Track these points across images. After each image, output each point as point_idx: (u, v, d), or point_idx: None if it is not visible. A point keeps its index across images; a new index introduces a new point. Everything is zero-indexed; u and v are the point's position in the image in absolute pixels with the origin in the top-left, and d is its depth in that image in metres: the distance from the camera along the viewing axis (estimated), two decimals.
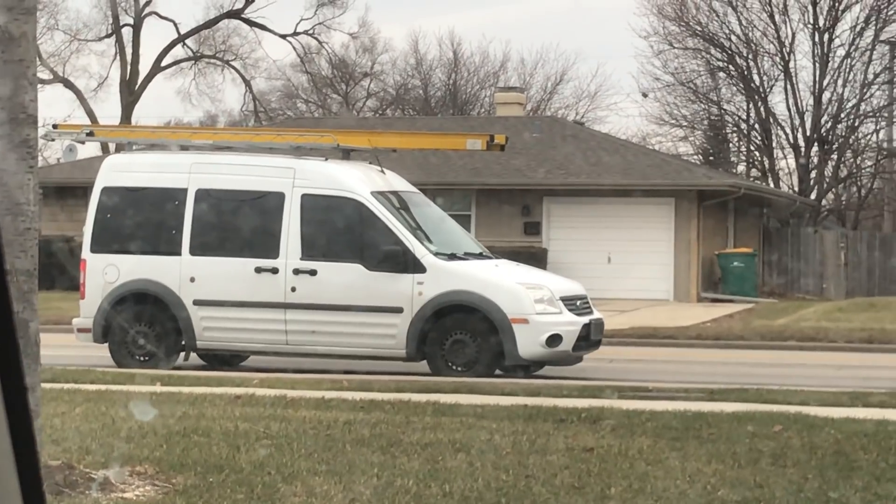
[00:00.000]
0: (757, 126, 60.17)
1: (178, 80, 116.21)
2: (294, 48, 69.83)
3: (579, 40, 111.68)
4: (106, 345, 20.80)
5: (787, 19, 57.79)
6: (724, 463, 10.52)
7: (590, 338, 20.20)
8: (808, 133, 57.72)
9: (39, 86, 10.41)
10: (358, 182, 20.46)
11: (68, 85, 67.63)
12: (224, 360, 21.44)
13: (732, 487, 9.52)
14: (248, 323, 20.17)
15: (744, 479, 9.84)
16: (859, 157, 59.84)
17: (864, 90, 57.70)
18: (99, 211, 21.00)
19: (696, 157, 61.45)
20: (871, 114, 58.52)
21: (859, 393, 16.01)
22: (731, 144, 64.32)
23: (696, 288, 40.29)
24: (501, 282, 19.98)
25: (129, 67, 67.48)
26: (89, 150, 46.53)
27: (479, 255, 21.18)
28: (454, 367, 19.51)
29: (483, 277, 19.97)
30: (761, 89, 58.76)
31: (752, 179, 57.59)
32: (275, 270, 20.11)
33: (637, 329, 28.83)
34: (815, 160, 58.17)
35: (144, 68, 68.07)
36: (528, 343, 19.44)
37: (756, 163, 62.36)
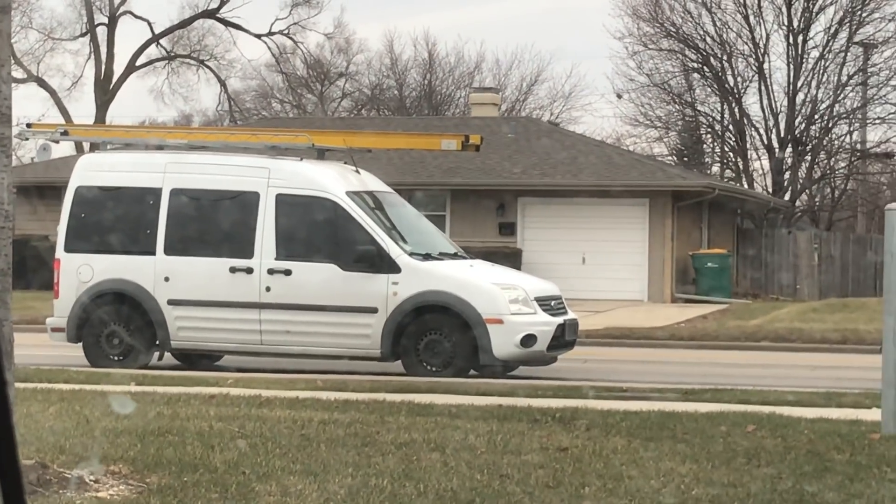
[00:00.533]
0: (731, 127, 60.31)
1: (152, 79, 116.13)
2: (269, 48, 69.76)
3: (554, 41, 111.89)
4: (80, 344, 20.77)
5: (762, 21, 57.99)
6: (698, 462, 10.54)
7: (564, 338, 20.23)
8: (782, 134, 57.87)
9: (14, 85, 10.38)
10: (333, 182, 20.46)
11: (42, 84, 67.46)
12: (199, 359, 21.40)
13: (706, 486, 9.55)
14: (223, 323, 20.16)
15: (717, 479, 9.86)
16: (833, 159, 60.03)
17: (838, 91, 57.89)
18: (73, 210, 20.96)
19: (670, 157, 61.56)
20: (844, 115, 58.72)
21: (833, 393, 16.07)
22: (705, 145, 64.46)
23: (670, 288, 40.37)
24: (476, 282, 20.00)
25: (103, 67, 67.33)
26: (63, 149, 46.41)
27: (454, 256, 21.20)
28: (429, 367, 19.52)
29: (458, 278, 19.99)
30: (736, 90, 58.90)
31: (726, 180, 57.72)
32: (249, 270, 20.10)
33: (611, 329, 28.89)
34: (789, 161, 58.33)
35: (119, 67, 67.98)
36: (503, 343, 19.46)
37: (730, 164, 62.53)
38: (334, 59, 72.65)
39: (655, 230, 40.47)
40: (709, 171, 60.83)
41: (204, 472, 9.82)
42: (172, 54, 69.84)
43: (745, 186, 57.15)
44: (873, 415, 13.09)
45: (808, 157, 59.03)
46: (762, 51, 58.06)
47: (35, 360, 18.70)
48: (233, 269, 20.16)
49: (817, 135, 58.63)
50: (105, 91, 66.72)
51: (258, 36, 68.72)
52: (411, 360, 19.69)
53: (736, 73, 58.93)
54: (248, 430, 11.92)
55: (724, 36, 58.70)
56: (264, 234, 20.18)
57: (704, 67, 59.66)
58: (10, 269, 9.32)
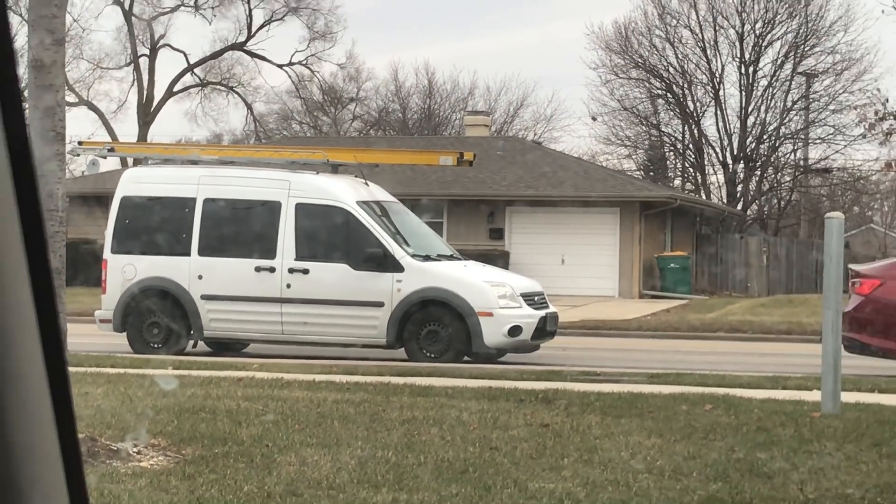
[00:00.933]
0: (691, 146, 60.31)
1: (187, 103, 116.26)
2: (289, 76, 69.71)
3: (537, 70, 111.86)
4: (124, 333, 20.75)
5: (718, 53, 58.00)
6: (663, 436, 10.53)
7: (546, 329, 20.22)
8: (735, 152, 57.89)
9: (67, 108, 10.38)
10: (345, 192, 20.43)
11: (92, 107, 67.41)
12: (227, 347, 21.38)
13: (669, 457, 9.54)
14: (249, 315, 20.13)
15: (679, 451, 9.85)
16: (779, 173, 60.03)
17: (784, 115, 57.92)
18: (119, 217, 20.93)
19: (638, 172, 61.53)
20: (789, 136, 58.75)
21: (779, 377, 16.05)
22: (668, 162, 64.43)
23: (638, 286, 40.34)
24: (470, 280, 19.98)
25: (145, 92, 67.27)
26: (110, 164, 46.30)
27: (450, 257, 21.17)
28: (428, 354, 19.49)
29: (454, 276, 19.97)
30: (695, 114, 58.91)
31: (686, 192, 57.70)
32: (272, 269, 20.08)
33: (587, 321, 28.87)
34: (741, 175, 58.37)
35: (158, 93, 67.90)
36: (493, 333, 19.45)
37: (690, 178, 62.52)
38: (346, 86, 72.61)
39: (625, 235, 40.45)
40: (671, 184, 60.80)
41: (232, 444, 9.81)
42: (205, 81, 69.78)
43: (704, 197, 57.13)
44: (814, 396, 13.08)
45: (758, 172, 59.03)
46: (718, 80, 58.12)
47: (84, 348, 18.69)
48: (258, 269, 20.14)
49: (766, 153, 58.65)
50: (146, 113, 66.65)
51: (280, 66, 68.71)
52: (413, 348, 19.67)
53: (695, 98, 58.97)
54: (271, 408, 11.91)
55: (685, 67, 58.75)
56: (285, 238, 20.15)
57: (668, 94, 59.65)
58: (64, 267, 9.31)
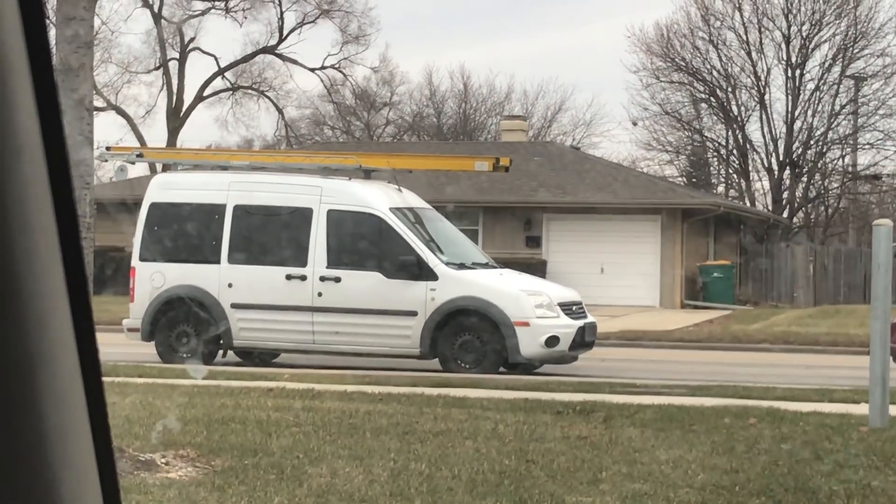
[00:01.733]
0: (735, 151, 60.14)
1: (217, 108, 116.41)
2: (321, 80, 69.88)
3: (576, 74, 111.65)
4: (152, 343, 20.84)
5: (763, 56, 57.84)
6: (704, 451, 10.53)
7: (584, 339, 20.20)
8: (781, 158, 57.69)
9: (95, 112, 10.47)
10: (378, 199, 20.48)
11: (120, 112, 67.74)
12: (258, 357, 21.44)
13: (711, 472, 9.54)
14: (280, 324, 20.19)
15: (721, 465, 9.85)
16: (827, 180, 59.79)
17: (832, 120, 57.68)
18: (147, 224, 21.04)
19: (680, 179, 61.42)
20: (837, 141, 58.51)
21: (825, 390, 16.00)
22: (711, 168, 64.29)
23: (679, 296, 40.25)
24: (505, 289, 19.99)
25: (174, 97, 67.57)
26: (139, 170, 46.62)
27: (486, 265, 21.18)
28: (463, 365, 19.51)
29: (489, 285, 19.98)
30: (739, 119, 58.74)
31: (730, 199, 57.53)
32: (303, 277, 20.14)
33: (626, 332, 28.83)
34: (787, 182, 58.15)
35: (188, 97, 68.19)
36: (529, 343, 19.45)
37: (734, 184, 62.35)
38: (379, 90, 72.76)
39: (666, 243, 40.37)
40: (715, 191, 60.65)
41: (263, 455, 9.86)
42: (236, 86, 70.03)
43: (748, 204, 56.96)
44: (861, 409, 13.04)
45: (805, 179, 58.82)
46: (763, 83, 57.94)
47: (112, 357, 18.78)
48: (289, 277, 20.20)
49: (813, 158, 58.42)
50: (176, 118, 66.95)
51: (312, 69, 68.88)
52: (447, 358, 19.69)
53: (739, 102, 58.83)
54: (302, 419, 11.96)
55: (729, 70, 58.60)
56: (317, 245, 20.21)
57: (711, 98, 59.51)
58: (91, 275, 9.38)
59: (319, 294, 20.04)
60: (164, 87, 67.76)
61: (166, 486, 8.75)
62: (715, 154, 62.44)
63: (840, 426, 12.14)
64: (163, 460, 9.54)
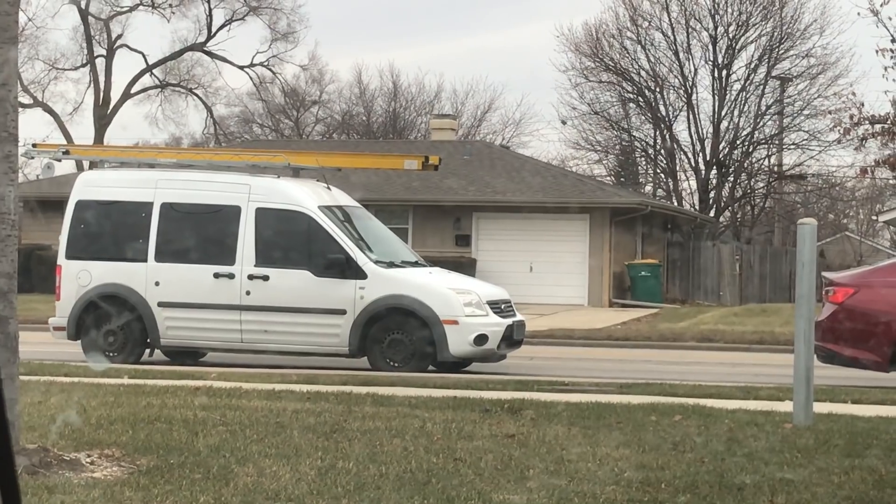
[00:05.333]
0: (663, 151, 60.54)
1: (146, 105, 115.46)
2: (251, 78, 69.64)
3: (506, 73, 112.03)
4: (79, 342, 20.67)
5: (690, 57, 58.28)
6: (631, 448, 10.56)
7: (513, 337, 20.24)
8: (707, 158, 58.14)
9: (20, 109, 10.33)
10: (307, 197, 20.42)
11: (47, 109, 67.16)
12: (185, 355, 21.31)
13: (637, 469, 9.57)
14: (207, 323, 20.08)
15: (648, 462, 9.88)
16: (753, 180, 60.31)
17: (758, 120, 58.24)
18: (73, 222, 20.86)
19: (608, 178, 61.73)
20: (763, 141, 59.05)
21: (751, 387, 16.11)
22: (639, 167, 64.69)
23: (607, 294, 40.44)
24: (434, 287, 19.99)
25: (101, 94, 67.05)
26: (65, 167, 46.20)
27: (415, 264, 21.18)
28: (392, 363, 19.49)
29: (418, 283, 19.97)
30: (667, 119, 59.14)
31: (658, 199, 57.90)
32: (231, 276, 20.04)
33: (555, 330, 28.92)
34: (714, 182, 58.61)
35: (116, 95, 67.73)
36: (458, 342, 19.46)
37: (662, 184, 62.75)
38: (309, 89, 72.60)
39: (595, 242, 40.55)
40: (643, 191, 61.01)
41: (189, 455, 9.79)
42: (164, 83, 69.62)
43: (675, 204, 57.35)
44: (786, 406, 13.15)
45: (731, 178, 59.33)
46: (690, 83, 58.36)
47: (38, 356, 18.61)
48: (216, 275, 20.09)
49: (739, 158, 58.93)
50: (103, 116, 66.44)
51: (241, 67, 68.63)
52: (376, 357, 19.66)
53: (667, 103, 59.24)
54: (229, 418, 11.89)
55: (657, 70, 58.98)
56: (245, 244, 20.12)
57: (639, 98, 59.86)
58: (16, 273, 9.28)
59: (248, 292, 19.95)
60: (92, 84, 67.26)
61: (91, 485, 8.66)
62: (643, 154, 62.84)
63: (765, 423, 12.24)
64: (88, 459, 9.44)
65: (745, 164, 59.22)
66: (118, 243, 20.73)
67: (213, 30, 67.89)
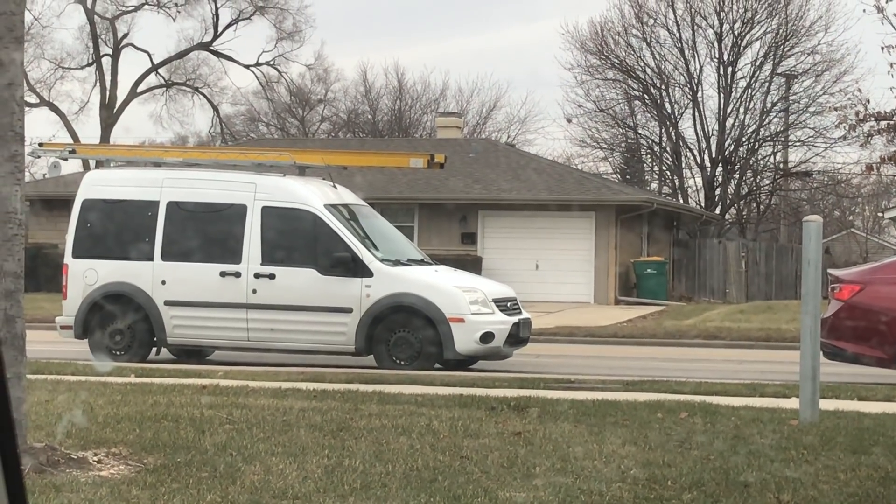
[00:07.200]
0: (668, 148, 60.49)
1: (151, 104, 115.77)
2: (256, 77, 69.63)
3: (511, 71, 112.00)
4: (86, 340, 20.69)
5: (696, 54, 58.22)
6: (637, 445, 10.57)
7: (519, 335, 20.25)
8: (713, 155, 58.10)
9: (27, 108, 10.36)
10: (312, 196, 20.43)
11: (53, 108, 67.19)
12: (192, 354, 21.33)
13: (643, 467, 9.58)
14: (214, 321, 20.10)
15: (653, 460, 9.89)
16: (758, 177, 60.26)
17: (763, 117, 58.17)
18: (80, 221, 20.89)
19: (614, 175, 61.69)
20: (768, 138, 59.00)
21: (757, 384, 16.12)
22: (645, 165, 64.63)
23: (613, 292, 40.43)
24: (440, 285, 19.99)
25: (107, 93, 67.07)
26: (71, 166, 46.26)
27: (421, 262, 21.18)
28: (398, 361, 19.50)
29: (424, 281, 19.98)
30: (672, 116, 59.09)
31: (663, 196, 57.86)
32: (237, 274, 20.05)
33: (561, 328, 28.92)
34: (720, 179, 58.57)
35: (122, 94, 67.72)
36: (464, 340, 19.46)
37: (667, 181, 62.71)
38: (314, 87, 72.58)
39: (601, 240, 40.54)
40: (648, 188, 60.98)
41: (195, 453, 9.80)
42: (170, 82, 69.63)
43: (681, 201, 57.32)
44: (792, 403, 13.15)
45: (737, 176, 59.27)
46: (696, 81, 58.33)
47: (45, 355, 18.63)
48: (223, 274, 20.11)
49: (745, 155, 58.88)
50: (109, 115, 66.46)
51: (247, 66, 68.63)
52: (382, 355, 19.67)
53: (673, 100, 59.17)
54: (236, 416, 11.90)
55: (663, 67, 58.94)
56: (251, 242, 20.13)
57: (645, 95, 59.82)
58: (23, 272, 9.29)
59: (254, 291, 19.96)
60: (98, 84, 67.29)
61: (98, 484, 8.68)
62: (648, 151, 62.80)
63: (771, 420, 12.24)
64: (95, 458, 9.46)
65: (751, 162, 59.18)
66: (124, 242, 20.74)
67: (220, 29, 67.92)
